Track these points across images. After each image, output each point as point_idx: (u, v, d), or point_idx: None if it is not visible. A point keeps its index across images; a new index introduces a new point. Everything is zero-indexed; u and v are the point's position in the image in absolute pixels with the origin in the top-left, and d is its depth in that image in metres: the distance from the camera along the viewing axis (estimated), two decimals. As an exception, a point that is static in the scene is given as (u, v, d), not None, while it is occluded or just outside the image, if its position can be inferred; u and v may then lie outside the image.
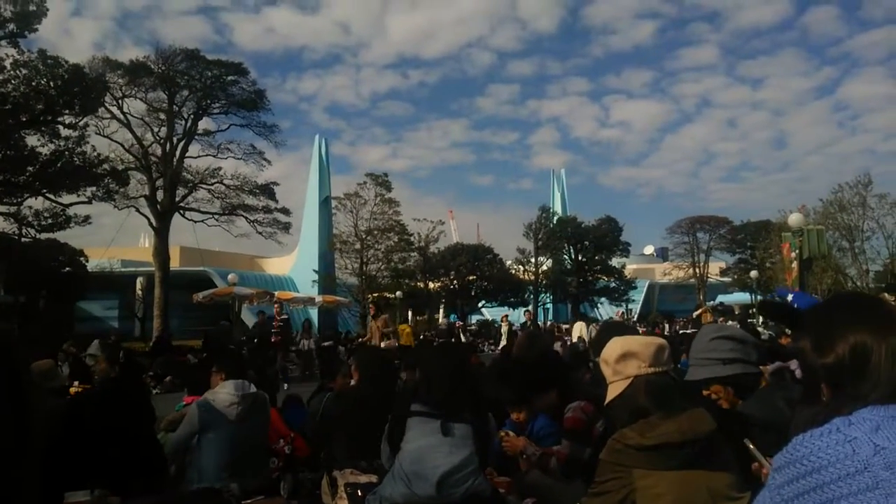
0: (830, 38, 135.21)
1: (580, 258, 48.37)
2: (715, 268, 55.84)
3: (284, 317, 17.56)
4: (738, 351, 2.53)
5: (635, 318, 44.58)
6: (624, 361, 2.12)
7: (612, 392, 2.13)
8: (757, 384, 2.55)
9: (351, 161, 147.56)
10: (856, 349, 1.16)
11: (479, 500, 3.01)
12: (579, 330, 19.28)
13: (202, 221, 30.74)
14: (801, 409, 1.79)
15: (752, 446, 1.86)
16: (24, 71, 21.68)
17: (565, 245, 48.04)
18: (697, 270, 53.72)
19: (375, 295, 38.28)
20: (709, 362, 2.52)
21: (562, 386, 3.89)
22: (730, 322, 13.98)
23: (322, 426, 4.56)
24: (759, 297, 41.31)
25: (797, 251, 14.74)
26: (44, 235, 25.52)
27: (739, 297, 49.64)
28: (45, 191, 23.59)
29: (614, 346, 2.17)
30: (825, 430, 1.07)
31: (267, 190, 31.70)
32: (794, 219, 15.93)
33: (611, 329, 3.58)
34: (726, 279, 53.94)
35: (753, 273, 36.84)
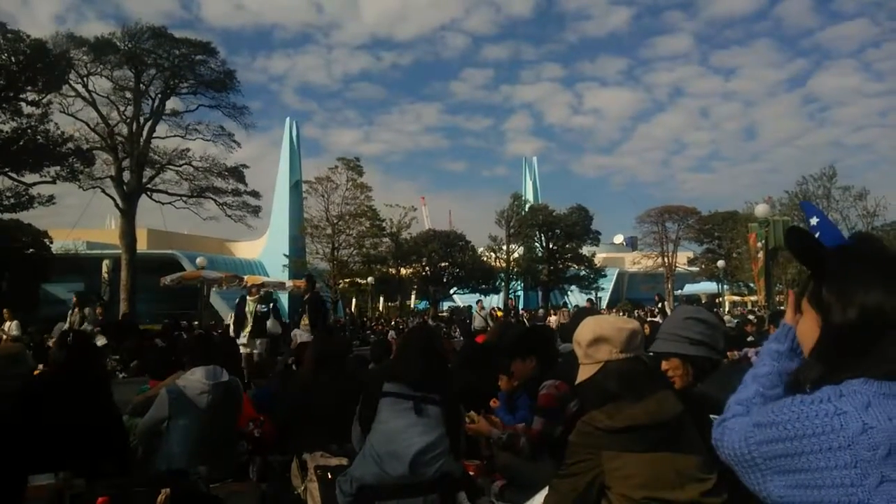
0: (803, 29, 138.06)
1: (551, 246, 48.66)
2: (683, 257, 56.65)
3: None
4: (706, 335, 2.58)
5: (604, 306, 45.13)
6: (596, 346, 2.14)
7: (583, 374, 2.15)
8: (715, 371, 2.60)
9: (322, 144, 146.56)
10: (866, 314, 1.08)
11: (450, 480, 3.04)
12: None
13: (170, 203, 30.27)
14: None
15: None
16: (-18, 45, 21.03)
17: (537, 233, 48.26)
18: (666, 260, 54.41)
19: (347, 281, 38.08)
20: (677, 339, 2.57)
21: (542, 356, 3.93)
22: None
23: (292, 410, 4.53)
24: (725, 287, 42.10)
25: (763, 241, 14.99)
26: (6, 216, 24.83)
27: (706, 287, 50.54)
28: (7, 169, 22.95)
29: (587, 329, 2.18)
30: (816, 398, 1.06)
31: (236, 172, 31.24)
32: (761, 209, 16.22)
33: (582, 314, 3.65)
34: (694, 269, 54.78)
35: (720, 263, 37.57)
